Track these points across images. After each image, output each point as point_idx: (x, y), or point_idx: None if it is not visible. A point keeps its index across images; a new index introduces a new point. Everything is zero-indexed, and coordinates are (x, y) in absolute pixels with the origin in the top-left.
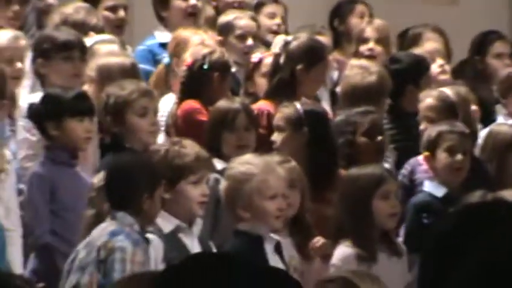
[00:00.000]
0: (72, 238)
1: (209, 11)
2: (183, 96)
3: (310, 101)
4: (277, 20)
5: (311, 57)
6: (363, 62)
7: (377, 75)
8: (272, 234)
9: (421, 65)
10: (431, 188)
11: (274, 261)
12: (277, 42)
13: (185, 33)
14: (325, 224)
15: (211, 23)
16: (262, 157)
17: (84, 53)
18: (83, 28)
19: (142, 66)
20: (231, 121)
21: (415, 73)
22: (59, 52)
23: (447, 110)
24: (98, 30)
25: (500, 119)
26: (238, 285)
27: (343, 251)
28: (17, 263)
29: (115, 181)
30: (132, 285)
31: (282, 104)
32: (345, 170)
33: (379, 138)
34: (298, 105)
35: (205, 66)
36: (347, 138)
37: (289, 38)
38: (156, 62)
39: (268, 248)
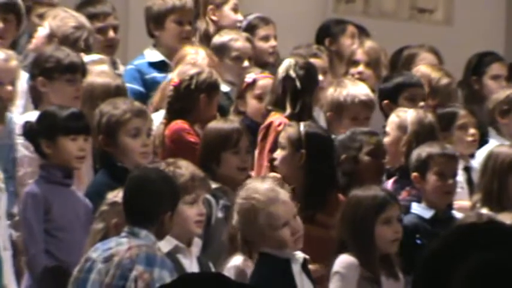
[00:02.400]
0: (66, 257)
1: (203, 25)
2: (170, 116)
3: (315, 124)
4: (272, 42)
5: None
6: (344, 79)
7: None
8: (297, 253)
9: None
10: (419, 210)
11: (301, 281)
12: (284, 65)
13: (185, 50)
14: (314, 245)
15: (208, 38)
16: (265, 184)
17: (84, 75)
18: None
19: (130, 85)
20: (235, 143)
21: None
22: (63, 74)
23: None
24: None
25: (493, 141)
26: None
27: (346, 258)
28: (10, 282)
29: (139, 197)
30: None
31: (288, 123)
32: (344, 186)
33: (382, 160)
34: (302, 126)
35: (192, 87)
36: (351, 154)
37: (292, 60)
38: (144, 81)
39: (295, 269)
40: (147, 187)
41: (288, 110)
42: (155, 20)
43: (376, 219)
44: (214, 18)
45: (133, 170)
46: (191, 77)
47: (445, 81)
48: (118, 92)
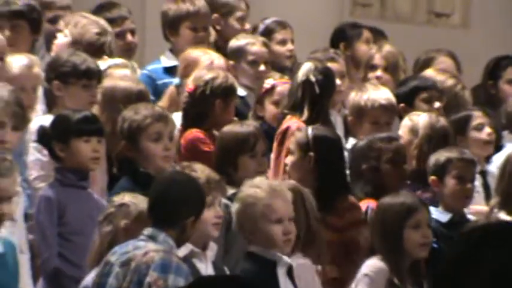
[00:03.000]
0: (81, 262)
1: (212, 35)
2: (186, 123)
3: (325, 127)
4: (289, 46)
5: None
6: (366, 83)
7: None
8: (285, 257)
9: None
10: (437, 214)
11: (285, 285)
12: (304, 69)
13: (194, 53)
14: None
15: (214, 47)
16: (271, 181)
17: (100, 81)
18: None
19: None
20: (253, 146)
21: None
22: (79, 79)
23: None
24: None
25: (510, 145)
26: None
27: (376, 262)
28: (27, 286)
29: (164, 199)
30: None
31: (297, 128)
32: (371, 196)
33: (403, 166)
34: (309, 129)
35: (207, 92)
36: (371, 165)
37: (312, 64)
38: (156, 86)
39: (280, 272)
40: (174, 189)
41: (306, 114)
42: (170, 26)
43: (405, 224)
44: (217, 27)
45: (160, 172)
46: (206, 83)
47: (450, 82)
48: (140, 96)
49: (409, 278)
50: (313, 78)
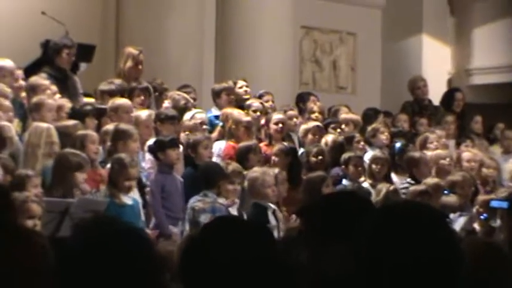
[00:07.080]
0: (173, 210)
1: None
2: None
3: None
4: (271, 103)
5: None
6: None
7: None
8: (271, 205)
9: None
10: (345, 182)
11: (272, 220)
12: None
13: (228, 111)
14: (294, 204)
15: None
16: (262, 168)
17: (179, 121)
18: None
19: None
20: (255, 149)
21: None
22: (168, 120)
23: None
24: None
25: (370, 151)
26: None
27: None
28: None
29: (210, 174)
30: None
31: (278, 143)
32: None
33: (320, 157)
34: (285, 144)
35: (233, 127)
36: (309, 158)
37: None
38: (212, 125)
39: (269, 212)
40: (212, 169)
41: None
42: (216, 94)
43: (322, 185)
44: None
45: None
46: (235, 122)
47: (355, 117)
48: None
49: None
50: None
